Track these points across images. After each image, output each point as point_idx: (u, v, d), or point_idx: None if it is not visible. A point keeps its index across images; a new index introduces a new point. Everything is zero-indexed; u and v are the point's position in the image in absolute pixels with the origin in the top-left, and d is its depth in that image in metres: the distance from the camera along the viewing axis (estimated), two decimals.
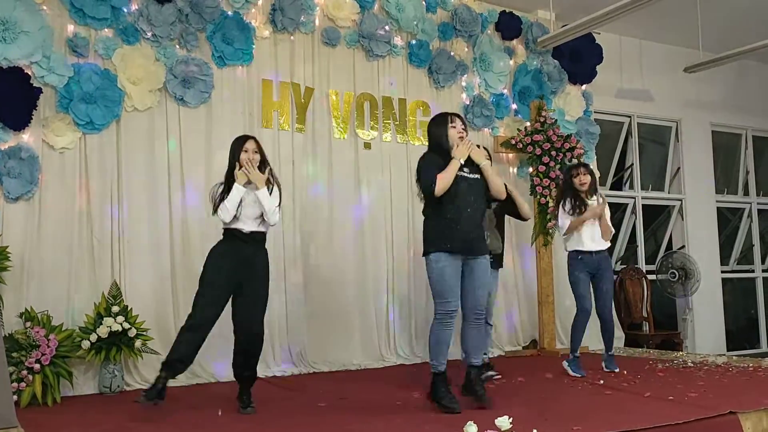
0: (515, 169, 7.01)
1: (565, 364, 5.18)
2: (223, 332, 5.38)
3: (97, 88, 5.08)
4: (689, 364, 5.65)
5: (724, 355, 7.33)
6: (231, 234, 4.04)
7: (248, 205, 4.00)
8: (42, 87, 4.91)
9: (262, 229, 4.07)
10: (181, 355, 3.92)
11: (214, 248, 4.08)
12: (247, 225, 4.01)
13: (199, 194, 5.45)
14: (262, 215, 4.03)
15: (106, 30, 5.21)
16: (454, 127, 4.04)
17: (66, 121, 5.01)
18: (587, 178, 5.15)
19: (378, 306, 6.11)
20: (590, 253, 5.11)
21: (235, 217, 3.99)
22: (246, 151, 4.03)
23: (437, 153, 4.00)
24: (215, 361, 5.27)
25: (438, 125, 4.10)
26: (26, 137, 4.88)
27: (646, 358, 6.18)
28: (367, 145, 6.21)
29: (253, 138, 4.16)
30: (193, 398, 4.63)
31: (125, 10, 5.26)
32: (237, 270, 3.97)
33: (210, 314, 3.95)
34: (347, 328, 5.93)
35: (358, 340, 5.95)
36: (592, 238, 5.12)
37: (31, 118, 4.86)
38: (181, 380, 5.11)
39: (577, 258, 5.14)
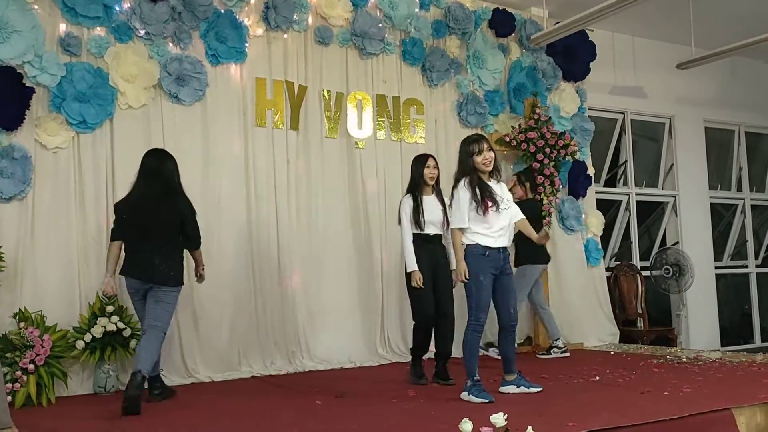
0: (512, 166, 7.01)
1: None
2: (212, 336, 5.39)
3: (89, 86, 5.07)
4: (684, 359, 5.67)
5: (718, 350, 7.36)
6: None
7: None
8: (34, 87, 4.89)
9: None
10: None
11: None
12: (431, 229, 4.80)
13: (195, 191, 5.43)
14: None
15: (98, 28, 5.20)
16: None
17: (59, 121, 4.99)
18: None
19: (373, 304, 6.10)
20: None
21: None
22: (428, 167, 4.83)
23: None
24: (207, 361, 5.29)
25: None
26: (19, 137, 4.86)
27: (640, 353, 6.20)
28: (361, 144, 6.21)
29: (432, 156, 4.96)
30: (187, 396, 4.63)
31: (117, 8, 5.24)
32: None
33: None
34: (343, 325, 5.94)
35: (353, 337, 5.95)
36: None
37: (24, 118, 4.85)
38: (176, 380, 5.13)
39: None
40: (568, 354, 6.14)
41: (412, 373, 4.84)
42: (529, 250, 5.89)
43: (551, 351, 6.17)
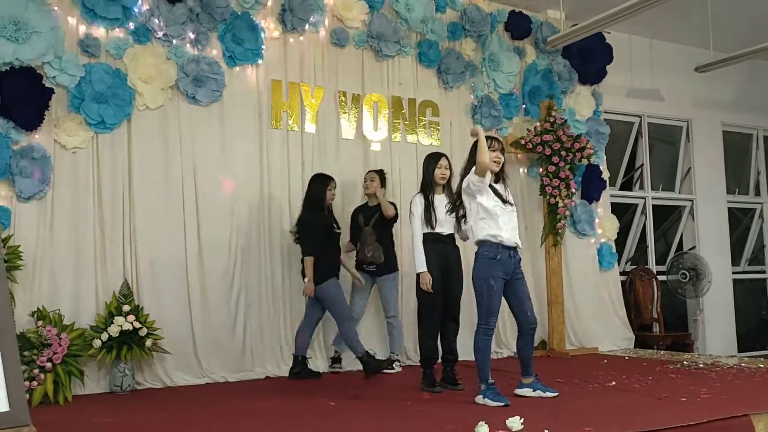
0: (525, 169, 6.99)
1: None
2: (226, 336, 5.38)
3: (108, 87, 5.10)
4: (700, 365, 5.62)
5: (735, 356, 7.29)
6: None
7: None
8: (54, 87, 4.94)
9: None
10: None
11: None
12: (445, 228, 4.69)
13: (211, 192, 5.47)
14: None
15: (117, 30, 5.24)
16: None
17: (78, 121, 5.03)
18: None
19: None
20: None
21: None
22: (440, 167, 4.71)
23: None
24: (222, 362, 5.31)
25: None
26: (38, 137, 4.91)
27: (657, 359, 6.15)
28: (376, 145, 6.21)
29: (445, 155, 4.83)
30: (203, 397, 4.65)
31: (136, 10, 5.28)
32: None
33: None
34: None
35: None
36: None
37: (43, 118, 4.89)
38: (190, 380, 5.16)
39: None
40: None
41: (425, 383, 4.64)
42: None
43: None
